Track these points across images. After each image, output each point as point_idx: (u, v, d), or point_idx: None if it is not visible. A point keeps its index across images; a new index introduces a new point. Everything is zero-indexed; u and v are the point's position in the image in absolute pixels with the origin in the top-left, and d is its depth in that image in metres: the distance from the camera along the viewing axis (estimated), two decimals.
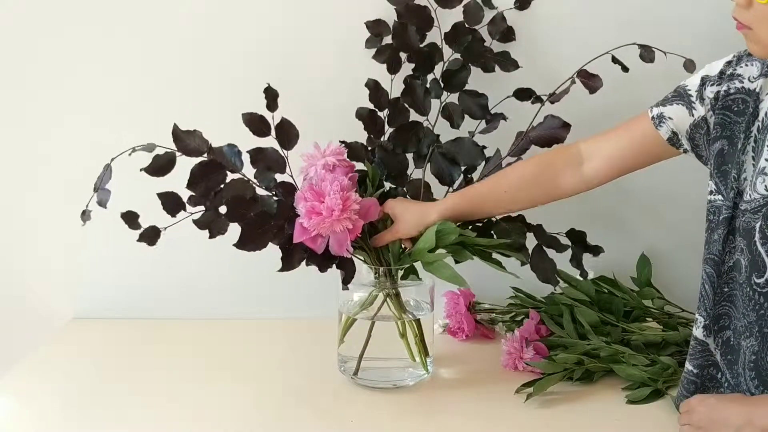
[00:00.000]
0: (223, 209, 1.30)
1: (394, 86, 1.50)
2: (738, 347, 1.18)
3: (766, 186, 1.11)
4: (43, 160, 1.60)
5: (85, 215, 1.31)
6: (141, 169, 1.27)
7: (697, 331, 1.21)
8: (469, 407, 1.32)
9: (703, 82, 1.22)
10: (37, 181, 1.61)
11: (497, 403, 1.32)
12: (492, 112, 1.50)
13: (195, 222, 1.30)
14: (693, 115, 1.23)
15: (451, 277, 1.29)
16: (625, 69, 1.43)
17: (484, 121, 1.50)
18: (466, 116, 1.51)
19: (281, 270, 1.31)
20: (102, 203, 1.29)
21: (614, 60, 1.44)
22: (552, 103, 1.45)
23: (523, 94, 1.50)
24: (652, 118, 1.26)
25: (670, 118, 1.24)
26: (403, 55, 1.51)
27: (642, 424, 1.26)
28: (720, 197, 1.19)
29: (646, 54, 1.44)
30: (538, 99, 1.47)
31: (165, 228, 1.30)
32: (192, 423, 1.27)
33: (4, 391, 1.37)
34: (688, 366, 1.24)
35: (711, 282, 1.19)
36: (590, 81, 1.43)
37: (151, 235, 1.31)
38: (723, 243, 1.17)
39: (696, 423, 1.14)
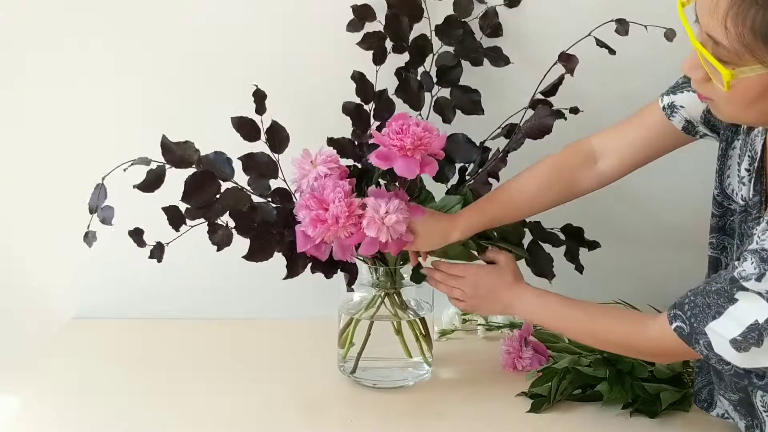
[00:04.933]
0: (224, 219, 1.27)
1: (379, 78, 1.47)
2: None
3: (742, 195, 1.09)
4: (43, 161, 1.60)
5: (89, 237, 1.27)
6: (134, 186, 1.24)
7: None
8: (469, 407, 1.32)
9: None
10: (36, 181, 1.61)
11: (497, 403, 1.33)
12: (510, 123, 1.45)
13: (211, 239, 1.28)
14: None
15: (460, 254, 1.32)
16: (611, 51, 1.40)
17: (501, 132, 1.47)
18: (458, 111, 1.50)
19: (286, 278, 1.30)
20: (106, 221, 1.25)
21: (598, 43, 1.41)
22: (547, 97, 1.44)
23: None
24: (663, 108, 1.18)
25: (681, 106, 1.17)
26: (388, 45, 1.48)
27: (642, 420, 1.27)
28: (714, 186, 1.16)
29: (622, 28, 1.41)
30: (560, 114, 1.40)
31: (168, 243, 1.28)
32: (192, 423, 1.28)
33: (5, 391, 1.37)
34: None
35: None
36: (569, 63, 1.40)
37: (159, 252, 1.28)
38: (717, 234, 1.16)
39: (473, 294, 1.28)
